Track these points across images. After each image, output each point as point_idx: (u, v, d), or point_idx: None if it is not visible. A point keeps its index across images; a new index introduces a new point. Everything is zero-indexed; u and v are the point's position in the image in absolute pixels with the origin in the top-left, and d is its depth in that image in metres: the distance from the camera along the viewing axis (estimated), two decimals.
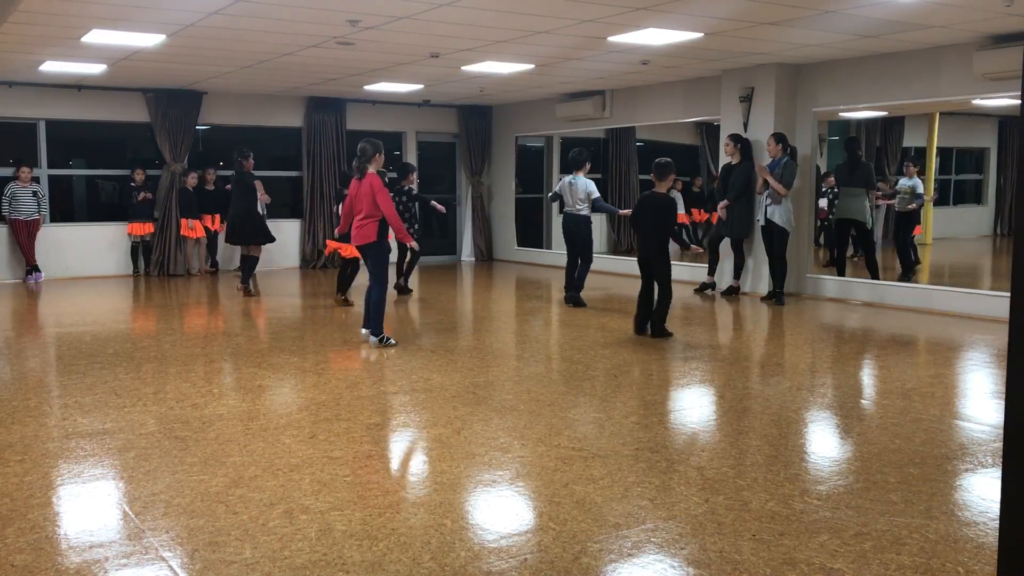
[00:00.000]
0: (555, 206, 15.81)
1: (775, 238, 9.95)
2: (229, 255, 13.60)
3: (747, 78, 10.71)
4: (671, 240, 7.87)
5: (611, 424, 5.10)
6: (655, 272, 7.80)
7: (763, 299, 10.27)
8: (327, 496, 3.90)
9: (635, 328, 7.95)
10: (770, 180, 9.83)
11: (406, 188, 10.42)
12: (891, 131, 16.32)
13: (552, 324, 8.93)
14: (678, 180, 16.55)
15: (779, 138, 9.98)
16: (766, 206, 9.95)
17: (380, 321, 7.48)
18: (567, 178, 9.71)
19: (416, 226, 10.44)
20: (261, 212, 10.87)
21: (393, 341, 7.51)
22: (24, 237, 11.99)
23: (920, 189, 11.93)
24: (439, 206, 10.69)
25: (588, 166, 9.73)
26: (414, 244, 7.59)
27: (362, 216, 7.30)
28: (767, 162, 10.12)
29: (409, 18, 7.76)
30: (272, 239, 10.92)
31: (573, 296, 9.79)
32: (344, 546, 3.38)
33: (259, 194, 10.59)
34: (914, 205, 11.91)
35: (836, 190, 12.50)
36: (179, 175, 12.88)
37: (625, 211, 8.98)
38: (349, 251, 9.47)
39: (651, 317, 7.86)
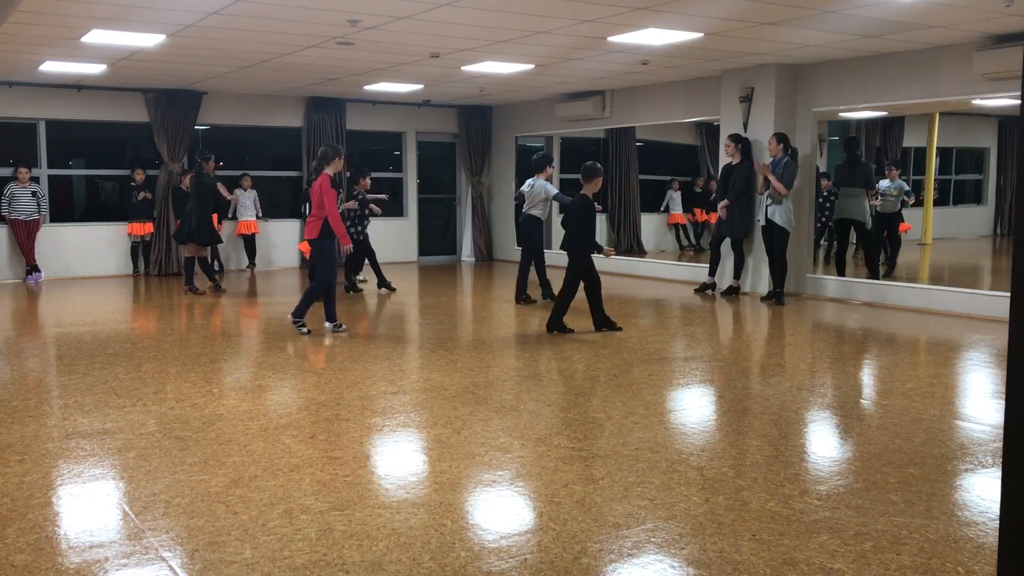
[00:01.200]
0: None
1: (775, 238, 9.95)
2: (227, 254, 13.61)
3: (747, 78, 10.71)
4: (586, 245, 7.95)
5: (611, 424, 5.10)
6: (568, 267, 7.99)
7: (763, 299, 10.27)
8: (327, 496, 3.90)
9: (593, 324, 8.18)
10: (771, 178, 9.83)
11: (358, 193, 10.61)
12: (891, 131, 16.32)
13: None
14: (675, 180, 16.58)
15: (780, 138, 9.99)
16: (767, 206, 9.96)
17: (305, 308, 8.04)
18: (529, 180, 9.91)
19: (361, 228, 10.63)
20: (231, 212, 10.84)
21: (305, 329, 7.99)
22: (23, 237, 11.99)
23: (907, 188, 12.23)
24: (376, 208, 10.89)
25: (550, 170, 9.88)
26: (348, 248, 8.13)
27: (312, 214, 7.85)
28: (767, 161, 10.12)
29: (409, 18, 7.76)
30: (210, 241, 10.98)
31: (523, 297, 10.04)
32: (344, 546, 3.38)
33: (223, 194, 10.62)
34: (909, 201, 12.18)
35: (826, 193, 12.52)
36: (176, 175, 12.88)
37: None
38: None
39: (553, 312, 8.11)
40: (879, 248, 11.65)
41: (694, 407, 5.70)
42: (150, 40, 8.70)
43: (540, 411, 5.37)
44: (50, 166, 12.70)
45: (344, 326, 8.20)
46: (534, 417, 5.22)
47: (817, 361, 7.10)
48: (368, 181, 10.81)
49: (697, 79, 11.72)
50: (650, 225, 16.33)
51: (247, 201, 13.32)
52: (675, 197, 16.54)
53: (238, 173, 13.47)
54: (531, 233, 9.94)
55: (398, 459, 4.61)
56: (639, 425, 5.07)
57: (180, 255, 13.04)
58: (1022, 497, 2.01)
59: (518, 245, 10.15)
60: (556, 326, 8.07)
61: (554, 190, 9.77)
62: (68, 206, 13.67)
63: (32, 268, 12.17)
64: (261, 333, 8.38)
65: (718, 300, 10.51)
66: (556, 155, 15.33)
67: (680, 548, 3.37)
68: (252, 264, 13.62)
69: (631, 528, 3.56)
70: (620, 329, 8.15)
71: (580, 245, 7.94)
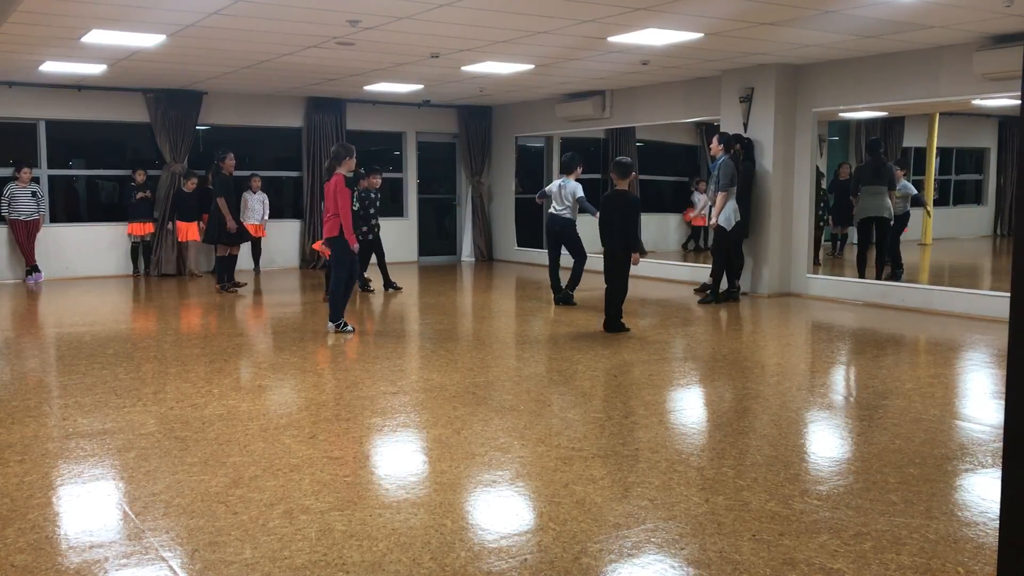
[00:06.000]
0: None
1: (717, 236, 10.11)
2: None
3: (747, 78, 10.71)
4: (630, 243, 7.98)
5: (611, 424, 5.10)
6: (615, 268, 7.95)
7: (696, 290, 10.59)
8: (327, 496, 3.90)
9: (605, 326, 8.13)
10: (714, 216, 10.06)
11: (363, 192, 10.51)
12: (891, 131, 16.32)
13: (552, 324, 8.92)
14: (699, 180, 16.49)
15: (722, 138, 10.10)
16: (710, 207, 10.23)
17: (339, 308, 8.00)
18: (557, 181, 9.94)
19: (373, 223, 10.59)
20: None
21: (350, 328, 7.96)
22: (24, 237, 11.99)
23: (912, 190, 12.05)
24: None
25: (580, 170, 9.90)
26: (355, 247, 8.01)
27: (330, 213, 7.90)
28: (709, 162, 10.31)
29: (409, 18, 7.76)
30: (238, 240, 10.81)
31: (564, 295, 9.90)
32: (344, 546, 3.38)
33: (226, 217, 10.59)
34: (907, 208, 12.02)
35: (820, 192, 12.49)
36: (179, 176, 12.82)
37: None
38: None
39: (607, 312, 8.07)
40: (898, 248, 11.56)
41: (694, 407, 5.70)
42: (150, 40, 8.70)
43: (540, 411, 5.36)
44: (50, 166, 12.69)
45: (351, 327, 8.07)
46: (534, 417, 5.22)
47: (817, 361, 7.10)
48: (378, 179, 10.72)
49: (697, 79, 11.72)
50: (649, 225, 16.30)
51: (255, 204, 13.04)
52: (700, 197, 16.10)
53: (247, 173, 13.19)
54: (562, 233, 9.87)
55: (398, 459, 4.61)
56: (639, 425, 5.07)
57: (183, 256, 13.07)
58: (1022, 497, 2.01)
59: (547, 246, 10.19)
60: (615, 327, 8.03)
61: (580, 192, 9.76)
62: (68, 206, 13.67)
63: (32, 268, 12.17)
64: (262, 333, 8.38)
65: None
66: (556, 155, 15.34)
67: (680, 548, 3.37)
68: (256, 268, 13.53)
69: (631, 528, 3.56)
70: (628, 330, 8.10)
71: (624, 244, 7.87)
